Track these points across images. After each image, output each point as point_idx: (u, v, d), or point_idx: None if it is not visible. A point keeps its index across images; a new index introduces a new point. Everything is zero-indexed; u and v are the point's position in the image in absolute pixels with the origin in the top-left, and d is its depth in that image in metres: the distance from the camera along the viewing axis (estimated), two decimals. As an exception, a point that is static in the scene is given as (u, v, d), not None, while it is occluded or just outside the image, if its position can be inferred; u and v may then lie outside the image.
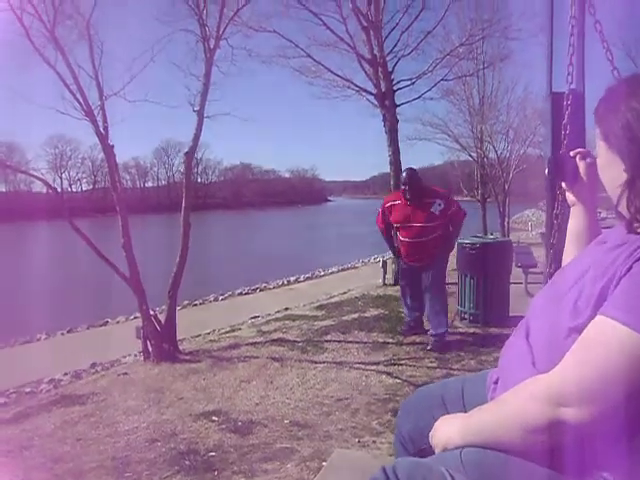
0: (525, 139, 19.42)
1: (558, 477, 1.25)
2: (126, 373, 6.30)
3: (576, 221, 1.72)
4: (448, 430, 1.45)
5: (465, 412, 1.51)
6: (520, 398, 1.29)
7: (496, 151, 20.12)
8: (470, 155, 20.99)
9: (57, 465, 3.85)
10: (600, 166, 1.44)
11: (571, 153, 1.71)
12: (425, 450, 1.55)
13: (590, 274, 1.29)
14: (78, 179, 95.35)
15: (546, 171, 1.76)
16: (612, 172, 1.35)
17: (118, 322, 12.21)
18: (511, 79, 19.15)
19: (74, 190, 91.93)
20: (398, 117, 12.45)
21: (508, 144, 20.21)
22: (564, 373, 1.22)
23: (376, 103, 12.42)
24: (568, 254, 1.72)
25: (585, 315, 1.24)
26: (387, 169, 12.50)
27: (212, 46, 7.65)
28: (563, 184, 1.74)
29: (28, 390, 7.15)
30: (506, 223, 21.02)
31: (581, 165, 1.68)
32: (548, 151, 2.48)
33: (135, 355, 7.78)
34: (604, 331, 1.18)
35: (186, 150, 7.92)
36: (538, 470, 1.26)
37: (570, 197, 1.73)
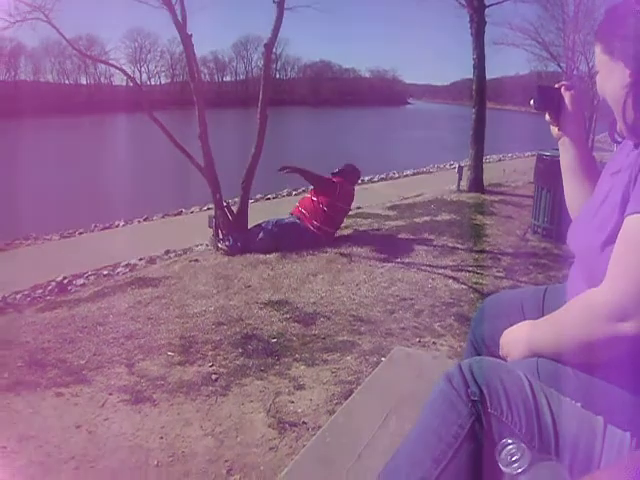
0: (620, 53, 18.10)
1: (627, 396, 1.23)
2: (197, 260, 6.48)
3: (567, 155, 1.69)
4: (516, 337, 1.47)
5: None
6: (577, 313, 1.27)
7: (588, 63, 18.91)
8: (559, 65, 19.85)
9: (129, 341, 4.04)
10: (601, 80, 1.39)
11: (557, 85, 1.71)
12: (498, 356, 1.52)
13: (612, 193, 1.28)
14: (157, 72, 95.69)
15: (531, 102, 1.75)
16: (615, 82, 1.31)
17: (192, 212, 12.49)
18: (612, -15, 17.69)
19: (153, 83, 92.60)
20: (486, 19, 11.70)
21: (602, 56, 18.94)
22: (614, 285, 1.17)
23: (463, 3, 11.67)
24: (569, 191, 1.69)
25: (612, 224, 1.23)
26: (470, 74, 11.97)
27: None
28: (547, 116, 1.73)
29: (105, 273, 7.47)
30: (590, 140, 20.00)
31: (566, 96, 1.67)
32: None
33: (207, 245, 7.97)
34: (636, 229, 1.15)
35: (265, 42, 7.75)
36: (609, 388, 1.24)
37: (555, 130, 1.72)
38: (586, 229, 1.35)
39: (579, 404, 1.24)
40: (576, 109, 1.67)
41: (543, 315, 1.53)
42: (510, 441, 1.10)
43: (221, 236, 6.95)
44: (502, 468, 1.09)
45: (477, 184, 11.61)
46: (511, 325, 1.53)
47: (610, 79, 1.34)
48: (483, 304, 1.89)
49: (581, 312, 1.25)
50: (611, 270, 1.19)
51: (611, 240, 1.22)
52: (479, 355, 1.71)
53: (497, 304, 1.81)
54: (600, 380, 1.26)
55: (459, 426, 1.19)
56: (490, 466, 1.15)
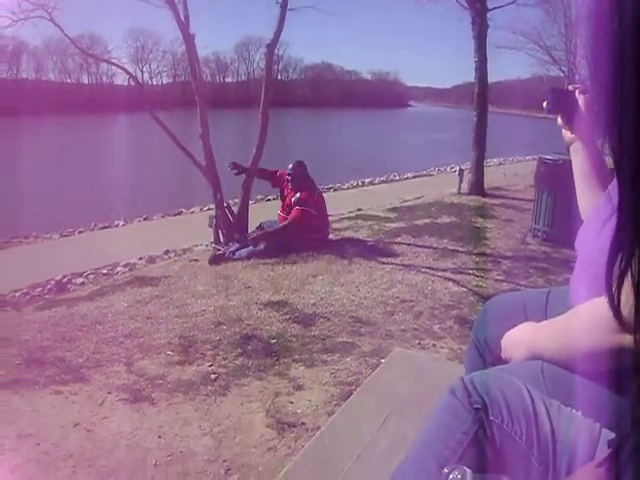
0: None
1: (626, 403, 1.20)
2: (197, 260, 6.48)
3: (578, 159, 1.67)
4: (518, 339, 1.45)
5: None
6: (583, 321, 1.25)
7: (590, 67, 18.95)
8: (561, 69, 19.84)
9: (128, 340, 4.03)
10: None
11: (570, 87, 1.69)
12: (502, 358, 1.52)
13: None
14: (158, 72, 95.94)
15: (544, 104, 1.72)
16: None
17: (192, 212, 12.51)
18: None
19: (154, 83, 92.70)
20: (489, 22, 11.68)
21: (604, 61, 19.04)
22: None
23: (466, 5, 11.62)
24: (581, 194, 1.66)
25: None
26: (472, 78, 11.96)
27: None
28: (559, 119, 1.72)
29: (105, 272, 7.48)
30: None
31: (580, 99, 1.65)
32: None
33: (207, 245, 7.98)
34: None
35: (267, 43, 7.75)
36: (610, 395, 1.22)
37: (567, 134, 1.70)
38: (597, 232, 1.31)
39: (579, 412, 1.24)
40: (589, 113, 1.64)
41: (546, 318, 1.52)
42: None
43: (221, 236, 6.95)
44: None
45: (478, 187, 11.60)
46: (514, 327, 1.51)
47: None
48: (485, 306, 1.88)
49: (587, 320, 1.23)
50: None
51: None
52: (482, 357, 1.71)
53: (500, 306, 1.79)
54: (603, 386, 1.24)
55: (463, 433, 1.20)
56: (493, 472, 1.15)
